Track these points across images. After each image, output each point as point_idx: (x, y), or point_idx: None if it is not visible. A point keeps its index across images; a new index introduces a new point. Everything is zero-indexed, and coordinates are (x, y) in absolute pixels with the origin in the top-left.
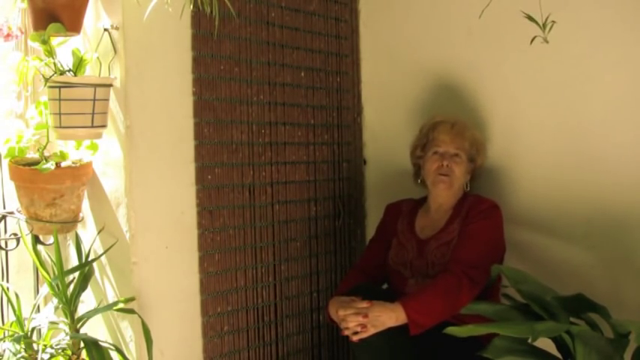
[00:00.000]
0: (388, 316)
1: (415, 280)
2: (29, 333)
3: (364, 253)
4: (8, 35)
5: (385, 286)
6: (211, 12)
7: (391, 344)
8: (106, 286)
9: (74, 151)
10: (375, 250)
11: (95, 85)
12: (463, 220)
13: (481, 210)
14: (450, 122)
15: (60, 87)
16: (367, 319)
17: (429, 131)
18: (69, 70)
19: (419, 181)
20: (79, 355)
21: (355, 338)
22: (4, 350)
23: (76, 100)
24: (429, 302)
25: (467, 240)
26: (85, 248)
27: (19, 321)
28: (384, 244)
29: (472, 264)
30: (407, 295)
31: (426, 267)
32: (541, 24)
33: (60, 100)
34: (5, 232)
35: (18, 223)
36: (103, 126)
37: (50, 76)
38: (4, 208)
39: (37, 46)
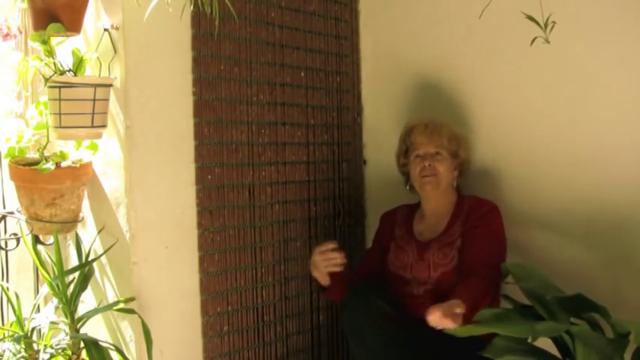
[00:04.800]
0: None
1: (416, 282)
2: (29, 333)
3: (362, 261)
4: (7, 35)
5: None
6: (211, 12)
7: (390, 344)
8: (106, 286)
9: (74, 151)
10: (372, 257)
11: (95, 85)
12: (464, 222)
13: (482, 214)
14: (423, 123)
15: (60, 87)
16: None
17: (406, 137)
18: (69, 70)
19: (407, 187)
20: (79, 355)
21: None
22: (4, 350)
23: (76, 100)
24: (478, 303)
25: (478, 244)
26: (85, 248)
27: (19, 321)
28: (381, 251)
29: (490, 264)
30: (463, 293)
31: (427, 269)
32: (542, 24)
33: (60, 100)
34: (5, 232)
35: (18, 223)
36: (103, 126)
37: (50, 76)
38: (4, 208)
39: (37, 46)
